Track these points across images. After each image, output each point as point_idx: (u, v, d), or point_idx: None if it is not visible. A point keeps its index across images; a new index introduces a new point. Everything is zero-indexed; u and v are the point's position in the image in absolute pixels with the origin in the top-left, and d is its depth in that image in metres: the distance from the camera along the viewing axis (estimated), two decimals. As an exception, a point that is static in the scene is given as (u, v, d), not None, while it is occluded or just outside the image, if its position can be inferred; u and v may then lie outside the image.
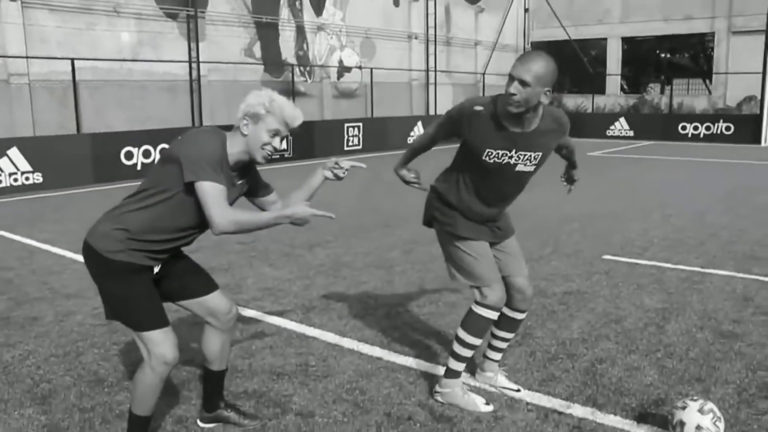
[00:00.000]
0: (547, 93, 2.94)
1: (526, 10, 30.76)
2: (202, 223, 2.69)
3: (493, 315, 3.28)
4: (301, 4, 20.29)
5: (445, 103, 25.39)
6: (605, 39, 30.03)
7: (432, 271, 5.90)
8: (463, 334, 3.29)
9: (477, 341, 3.30)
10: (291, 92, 19.02)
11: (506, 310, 3.42)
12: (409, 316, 4.75)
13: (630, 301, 5.02)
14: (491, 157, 3.10)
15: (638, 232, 7.59)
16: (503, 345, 3.55)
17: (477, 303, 3.28)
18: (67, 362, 3.99)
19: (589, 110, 27.34)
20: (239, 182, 2.84)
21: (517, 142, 3.06)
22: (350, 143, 19.04)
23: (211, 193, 2.53)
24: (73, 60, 13.38)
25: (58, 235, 7.90)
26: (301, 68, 20.25)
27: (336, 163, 3.04)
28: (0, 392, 3.60)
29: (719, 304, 4.95)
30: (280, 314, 4.79)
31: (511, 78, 2.89)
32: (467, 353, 3.32)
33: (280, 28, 19.63)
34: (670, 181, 12.22)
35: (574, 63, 28.29)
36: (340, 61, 21.59)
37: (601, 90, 29.26)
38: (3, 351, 4.19)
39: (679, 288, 5.37)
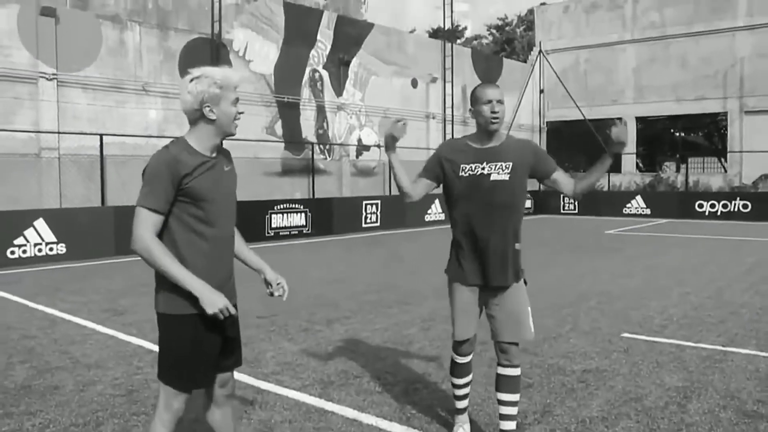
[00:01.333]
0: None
1: (541, 91, 31.49)
2: (217, 223, 2.77)
3: (459, 359, 3.78)
4: (322, 84, 20.94)
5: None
6: (620, 119, 30.41)
7: (450, 349, 5.89)
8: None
9: (453, 380, 3.86)
10: (311, 170, 19.39)
11: (498, 369, 3.64)
12: (428, 393, 4.73)
13: (650, 380, 4.98)
14: (465, 171, 3.54)
15: (657, 310, 7.55)
16: (508, 410, 3.61)
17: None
18: (87, 432, 4.02)
19: (606, 188, 27.49)
20: (227, 168, 2.87)
21: (489, 155, 3.54)
22: (368, 220, 19.23)
23: (140, 216, 2.64)
24: (101, 135, 13.82)
25: (80, 305, 8.00)
26: (321, 146, 20.72)
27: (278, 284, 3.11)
28: (21, 461, 3.62)
29: (742, 383, 4.89)
30: (298, 389, 4.79)
31: (489, 102, 3.51)
32: (453, 391, 3.91)
33: (301, 107, 20.21)
34: (687, 259, 12.18)
35: (589, 142, 28.65)
36: (359, 140, 22.08)
37: (616, 168, 29.51)
38: (24, 420, 4.22)
39: (699, 367, 5.32)
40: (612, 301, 8.10)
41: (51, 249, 12.22)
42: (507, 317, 3.57)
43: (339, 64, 21.50)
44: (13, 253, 11.73)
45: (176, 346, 2.77)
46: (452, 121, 25.53)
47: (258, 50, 19.07)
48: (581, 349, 5.88)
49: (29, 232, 11.95)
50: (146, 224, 2.64)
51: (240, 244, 3.14)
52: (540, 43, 31.98)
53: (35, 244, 12.01)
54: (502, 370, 3.60)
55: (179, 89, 2.77)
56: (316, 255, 13.57)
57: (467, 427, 3.94)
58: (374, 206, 19.44)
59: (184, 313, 2.72)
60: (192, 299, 2.68)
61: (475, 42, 51.08)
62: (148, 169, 2.67)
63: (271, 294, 3.10)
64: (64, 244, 12.36)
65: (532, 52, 33.36)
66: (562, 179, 3.66)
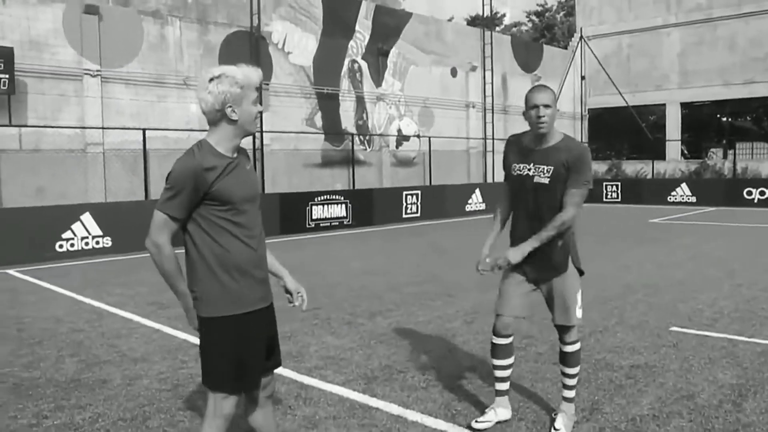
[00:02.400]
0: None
1: (582, 78, 30.94)
2: (247, 222, 2.76)
3: (495, 340, 3.90)
4: (361, 75, 20.90)
5: (502, 171, 25.48)
6: (664, 104, 29.82)
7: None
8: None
9: (491, 360, 3.99)
10: (351, 161, 19.41)
11: (559, 346, 4.00)
12: (474, 388, 4.67)
13: (702, 376, 4.84)
14: (515, 170, 3.79)
15: (706, 303, 7.34)
16: (567, 381, 3.97)
17: None
18: (134, 427, 4.06)
19: (649, 176, 26.96)
20: (248, 167, 2.87)
21: (534, 156, 3.71)
22: (408, 210, 19.18)
23: (158, 220, 2.65)
24: (144, 130, 14.02)
25: (126, 298, 8.13)
26: (361, 137, 20.70)
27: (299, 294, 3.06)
28: (72, 456, 3.67)
29: (799, 381, 4.72)
30: (342, 384, 4.78)
31: (536, 107, 3.60)
32: (494, 373, 4.02)
33: (340, 98, 20.21)
34: (737, 249, 11.85)
35: (633, 129, 28.12)
36: (399, 130, 22.01)
37: (661, 156, 28.91)
38: (75, 413, 4.29)
39: (754, 363, 5.15)
40: (659, 293, 7.91)
41: (97, 242, 12.46)
42: (556, 302, 3.83)
43: (378, 54, 21.43)
44: (61, 246, 11.99)
45: (222, 348, 2.74)
46: (492, 110, 25.26)
47: (297, 42, 19.11)
48: (629, 344, 5.75)
49: (76, 226, 12.20)
50: (163, 229, 2.65)
51: None
52: (581, 29, 31.40)
53: (82, 238, 12.26)
54: (560, 347, 3.97)
55: (197, 88, 2.73)
56: (357, 246, 13.58)
57: (501, 410, 3.99)
58: (414, 196, 19.38)
59: (226, 314, 2.71)
60: (233, 300, 2.70)
61: (514, 29, 50.40)
62: (173, 174, 2.64)
63: (291, 303, 3.06)
64: (109, 238, 12.59)
65: (572, 39, 32.80)
66: (564, 201, 3.68)
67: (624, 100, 28.62)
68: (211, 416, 2.79)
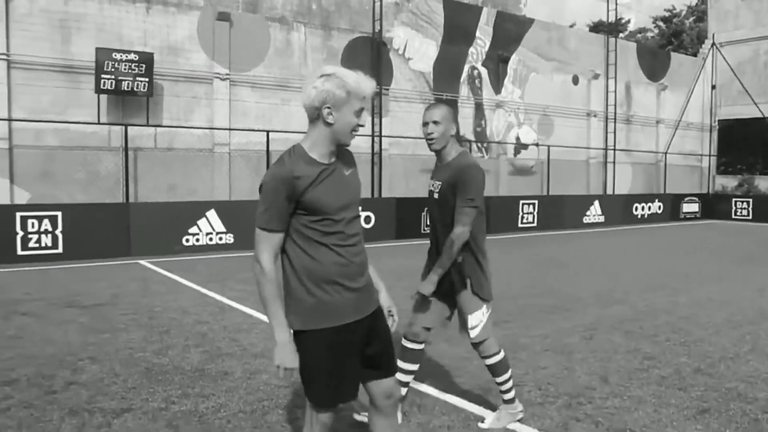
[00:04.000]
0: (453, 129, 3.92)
1: (713, 87, 29.31)
2: (342, 231, 2.63)
3: (403, 341, 4.12)
4: (480, 82, 20.76)
5: (624, 182, 24.58)
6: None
7: (615, 362, 5.60)
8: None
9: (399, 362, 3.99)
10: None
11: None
12: (592, 407, 4.50)
13: None
14: (430, 185, 4.06)
15: None
16: (500, 387, 4.13)
17: None
18: (254, 419, 4.19)
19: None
20: (348, 172, 2.70)
21: (435, 172, 4.03)
22: (524, 220, 18.85)
23: (258, 237, 2.60)
24: (268, 132, 14.54)
25: (247, 294, 8.44)
26: (479, 144, 20.55)
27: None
28: (197, 443, 3.84)
29: None
30: (457, 393, 4.73)
31: (426, 123, 3.87)
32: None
33: (459, 104, 20.16)
34: None
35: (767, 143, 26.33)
36: (518, 138, 21.69)
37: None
38: (199, 402, 4.49)
39: None
40: (799, 321, 7.33)
41: (220, 238, 13.03)
42: (459, 317, 4.01)
43: (498, 60, 21.21)
44: (187, 241, 12.63)
45: (313, 362, 2.63)
46: (614, 119, 24.39)
47: (417, 48, 19.23)
48: (763, 374, 5.35)
49: (202, 222, 12.83)
50: (263, 245, 2.57)
51: None
52: (713, 34, 29.76)
53: (207, 234, 12.87)
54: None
55: (307, 82, 2.60)
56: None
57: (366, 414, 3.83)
58: (531, 206, 19.02)
59: (315, 327, 2.61)
60: (324, 313, 2.60)
61: (639, 35, 48.48)
62: (264, 186, 2.57)
63: None
64: (232, 234, 13.14)
65: (703, 45, 31.14)
66: (455, 219, 3.79)
67: (760, 111, 26.85)
68: (308, 426, 2.75)
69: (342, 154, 2.71)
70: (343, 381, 2.67)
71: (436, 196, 3.93)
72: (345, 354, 2.66)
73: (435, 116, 3.83)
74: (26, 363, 5.38)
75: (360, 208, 2.78)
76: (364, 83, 2.57)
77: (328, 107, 2.54)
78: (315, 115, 2.58)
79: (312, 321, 2.60)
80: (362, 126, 2.62)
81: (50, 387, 4.78)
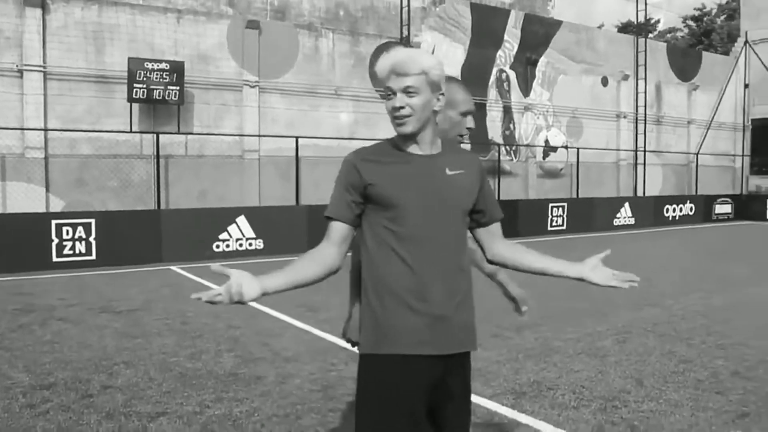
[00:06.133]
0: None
1: (746, 86, 28.78)
2: (417, 234, 2.13)
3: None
4: (508, 85, 20.67)
5: (654, 184, 24.26)
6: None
7: (650, 365, 5.52)
8: None
9: None
10: (497, 171, 19.22)
11: None
12: (627, 411, 4.44)
13: None
14: None
15: None
16: None
17: None
18: (288, 423, 4.20)
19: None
20: (452, 172, 2.20)
21: None
22: (554, 223, 18.69)
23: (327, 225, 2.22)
24: (297, 138, 14.63)
25: (278, 299, 8.41)
26: (507, 147, 20.46)
27: None
28: (232, 447, 3.86)
29: None
30: (490, 397, 4.71)
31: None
32: None
33: (487, 108, 20.09)
34: None
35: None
36: (546, 141, 21.54)
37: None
38: (233, 405, 4.52)
39: None
40: (840, 324, 7.16)
41: (250, 244, 13.13)
42: None
43: (526, 63, 21.09)
44: (218, 246, 12.74)
45: (363, 393, 2.16)
46: (645, 120, 24.09)
47: (445, 52, 19.21)
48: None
49: (232, 228, 12.93)
50: (327, 233, 2.19)
51: (513, 251, 2.49)
52: (746, 32, 29.24)
53: (237, 239, 12.97)
54: None
55: (421, 52, 2.17)
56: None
57: None
58: (560, 209, 18.85)
59: (370, 352, 2.15)
60: (382, 335, 2.12)
61: (669, 35, 47.89)
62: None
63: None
64: (261, 240, 13.23)
65: (735, 44, 30.62)
66: None
67: (795, 110, 26.36)
68: None
69: (452, 150, 2.28)
70: (402, 418, 2.09)
71: None
72: (397, 394, 2.10)
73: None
74: (63, 367, 5.47)
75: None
76: (379, 62, 2.16)
77: (442, 94, 2.20)
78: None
79: (367, 343, 2.17)
80: (397, 108, 2.14)
81: (87, 391, 4.86)
